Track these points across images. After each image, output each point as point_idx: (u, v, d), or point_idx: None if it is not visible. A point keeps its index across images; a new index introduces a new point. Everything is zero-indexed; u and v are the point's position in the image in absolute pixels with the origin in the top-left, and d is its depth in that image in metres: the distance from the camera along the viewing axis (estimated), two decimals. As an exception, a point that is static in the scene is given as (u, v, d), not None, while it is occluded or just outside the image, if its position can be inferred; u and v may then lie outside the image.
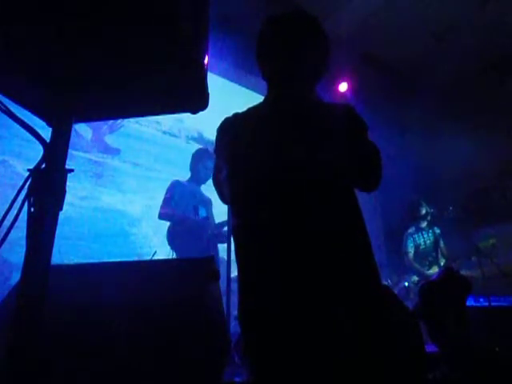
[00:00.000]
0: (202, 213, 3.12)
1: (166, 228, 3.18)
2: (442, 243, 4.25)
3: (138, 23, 0.73)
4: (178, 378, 0.91)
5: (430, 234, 4.28)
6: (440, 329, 2.07)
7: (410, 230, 4.36)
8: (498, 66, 4.52)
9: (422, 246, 4.26)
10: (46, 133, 0.82)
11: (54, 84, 0.84)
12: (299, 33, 1.16)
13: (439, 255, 4.17)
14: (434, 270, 4.08)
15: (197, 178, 3.28)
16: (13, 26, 0.69)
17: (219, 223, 3.26)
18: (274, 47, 1.17)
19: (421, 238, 4.28)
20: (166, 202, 3.10)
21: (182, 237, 3.02)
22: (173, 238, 3.10)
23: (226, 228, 3.24)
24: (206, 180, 3.29)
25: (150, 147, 4.72)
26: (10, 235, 0.75)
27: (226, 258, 2.50)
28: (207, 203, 3.26)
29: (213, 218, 3.30)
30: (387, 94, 5.22)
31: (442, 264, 4.13)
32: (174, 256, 3.10)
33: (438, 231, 4.30)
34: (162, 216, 3.09)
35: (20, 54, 0.77)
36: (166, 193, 3.15)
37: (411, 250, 4.27)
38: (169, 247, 3.23)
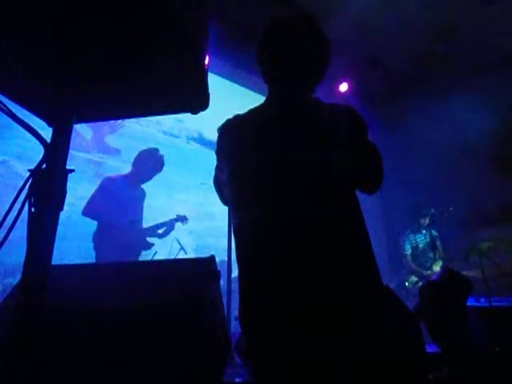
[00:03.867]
0: (130, 215, 3.09)
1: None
2: (439, 244, 4.27)
3: (138, 23, 0.73)
4: (178, 379, 0.91)
5: (426, 236, 4.30)
6: (440, 329, 2.07)
7: (408, 231, 4.38)
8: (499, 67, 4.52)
9: (420, 247, 4.28)
10: (47, 133, 0.83)
11: (55, 84, 0.84)
12: (300, 35, 1.16)
13: (436, 256, 4.19)
14: (433, 270, 4.08)
15: (137, 176, 3.22)
16: (14, 27, 0.69)
17: (150, 227, 3.26)
18: (275, 50, 1.17)
19: (418, 239, 4.31)
20: (91, 200, 3.03)
21: (105, 245, 2.96)
22: (97, 245, 3.02)
23: (160, 230, 3.30)
24: (146, 181, 3.30)
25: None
26: (10, 235, 0.75)
27: (225, 258, 2.50)
28: (138, 201, 3.23)
29: (141, 217, 3.29)
30: (387, 95, 5.22)
31: (439, 265, 4.14)
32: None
33: (434, 233, 4.32)
34: (83, 213, 3.03)
35: (21, 55, 0.77)
36: (96, 190, 3.07)
37: (409, 251, 4.29)
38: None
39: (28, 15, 0.68)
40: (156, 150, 3.34)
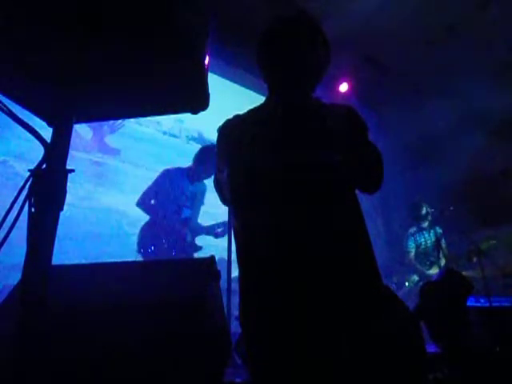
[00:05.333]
0: (185, 213, 3.03)
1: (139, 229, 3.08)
2: (443, 243, 4.23)
3: (138, 24, 0.73)
4: (178, 379, 0.91)
5: (431, 234, 4.26)
6: (441, 329, 2.07)
7: (411, 230, 4.34)
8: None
9: (423, 246, 4.24)
10: (47, 133, 0.83)
11: (55, 84, 0.84)
12: (300, 36, 1.16)
13: (440, 255, 4.16)
14: (435, 269, 4.06)
15: (196, 172, 3.14)
16: (15, 28, 0.69)
17: (208, 226, 3.16)
18: (275, 50, 1.17)
19: (422, 237, 4.27)
20: (147, 192, 3.02)
21: (154, 242, 2.90)
22: (143, 242, 2.97)
23: (219, 229, 3.13)
24: (205, 178, 3.19)
25: (150, 147, 4.73)
26: (10, 235, 0.75)
27: (226, 257, 2.50)
28: (195, 197, 3.13)
29: (197, 214, 3.20)
30: (388, 95, 5.21)
31: (442, 264, 4.12)
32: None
33: (439, 231, 4.27)
34: (137, 203, 3.02)
35: (21, 55, 0.77)
36: (153, 182, 3.06)
37: (412, 250, 4.25)
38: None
39: (28, 16, 0.68)
40: (210, 151, 3.16)
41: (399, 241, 4.46)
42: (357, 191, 1.16)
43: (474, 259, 3.48)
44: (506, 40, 4.32)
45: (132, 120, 4.51)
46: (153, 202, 3.02)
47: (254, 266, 1.06)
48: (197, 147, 4.46)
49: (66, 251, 3.39)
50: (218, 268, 1.21)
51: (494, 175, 4.52)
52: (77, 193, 3.87)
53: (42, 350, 0.70)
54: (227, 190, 1.20)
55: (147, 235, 2.97)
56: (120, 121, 4.37)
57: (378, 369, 0.94)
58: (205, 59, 0.86)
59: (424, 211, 4.24)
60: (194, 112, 0.97)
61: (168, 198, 2.99)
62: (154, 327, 0.99)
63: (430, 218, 4.25)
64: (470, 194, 4.43)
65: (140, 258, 2.93)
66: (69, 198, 0.78)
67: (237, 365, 2.01)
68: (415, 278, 4.11)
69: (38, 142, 0.79)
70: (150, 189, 3.04)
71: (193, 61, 0.83)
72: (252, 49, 1.25)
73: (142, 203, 3.01)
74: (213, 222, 3.24)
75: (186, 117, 4.79)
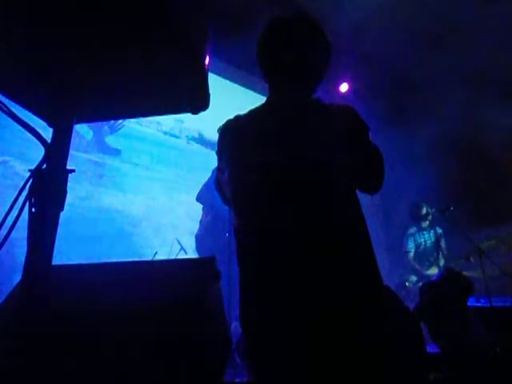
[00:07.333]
0: None
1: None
2: (443, 243, 4.23)
3: (138, 25, 0.73)
4: (178, 380, 0.91)
5: (431, 234, 4.26)
6: (441, 329, 2.07)
7: (411, 230, 4.33)
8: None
9: (423, 246, 4.24)
10: (47, 133, 0.83)
11: (56, 85, 0.84)
12: (300, 36, 1.16)
13: (440, 255, 4.16)
14: (434, 270, 4.07)
15: None
16: (16, 30, 0.69)
17: None
18: (275, 50, 1.17)
19: (422, 237, 4.27)
20: (205, 185, 3.07)
21: (207, 239, 2.95)
22: (201, 239, 3.02)
23: None
24: None
25: (150, 148, 4.73)
26: (10, 235, 0.75)
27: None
28: None
29: None
30: (388, 95, 5.21)
31: (441, 264, 4.12)
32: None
33: (439, 231, 4.27)
34: (196, 198, 3.10)
35: (22, 56, 0.77)
36: (210, 176, 3.09)
37: (412, 250, 4.25)
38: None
39: (30, 16, 0.68)
40: None
41: (399, 241, 4.46)
42: (357, 191, 1.16)
43: (472, 259, 3.47)
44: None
45: (132, 120, 4.51)
46: (206, 195, 3.07)
47: (254, 266, 1.06)
48: (197, 147, 4.47)
49: (66, 251, 3.38)
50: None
51: (494, 174, 4.51)
52: (77, 193, 3.87)
53: (42, 350, 0.70)
54: (228, 190, 1.20)
55: (211, 228, 2.99)
56: (120, 121, 4.37)
57: (378, 369, 0.94)
58: (205, 59, 0.87)
59: (424, 211, 4.23)
60: (195, 112, 0.97)
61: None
62: (154, 327, 0.99)
63: (430, 218, 4.25)
64: (470, 193, 4.42)
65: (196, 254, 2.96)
66: (69, 198, 0.79)
67: (237, 365, 2.01)
68: (414, 278, 4.11)
69: (38, 142, 0.79)
70: (204, 184, 3.10)
71: (193, 61, 0.83)
72: (252, 48, 1.25)
73: (198, 197, 3.08)
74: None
75: (187, 117, 4.77)
